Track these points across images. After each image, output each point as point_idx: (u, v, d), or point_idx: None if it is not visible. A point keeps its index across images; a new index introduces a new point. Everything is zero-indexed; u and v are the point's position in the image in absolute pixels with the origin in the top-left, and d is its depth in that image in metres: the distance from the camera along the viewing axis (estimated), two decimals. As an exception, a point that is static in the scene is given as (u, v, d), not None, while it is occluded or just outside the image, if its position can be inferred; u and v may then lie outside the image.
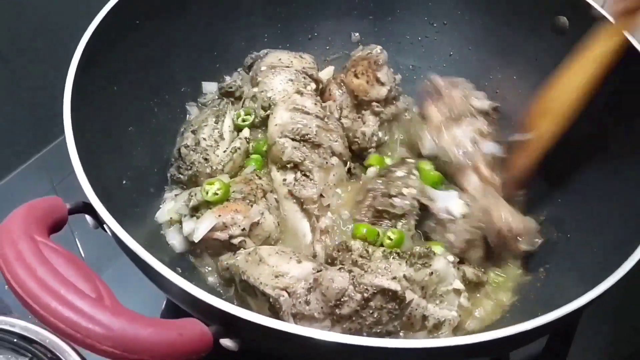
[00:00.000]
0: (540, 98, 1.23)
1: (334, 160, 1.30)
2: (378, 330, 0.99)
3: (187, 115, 1.42)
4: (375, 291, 0.96)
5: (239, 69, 1.52)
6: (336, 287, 0.96)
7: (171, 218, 1.20)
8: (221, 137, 1.32)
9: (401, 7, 1.55)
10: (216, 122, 1.34)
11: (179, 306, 0.94)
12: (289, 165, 1.26)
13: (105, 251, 1.30)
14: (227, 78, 1.50)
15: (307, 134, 1.27)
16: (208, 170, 1.27)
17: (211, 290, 1.14)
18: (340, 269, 1.00)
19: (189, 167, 1.27)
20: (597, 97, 1.17)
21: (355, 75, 1.41)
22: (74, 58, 1.08)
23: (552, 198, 1.32)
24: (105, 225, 0.92)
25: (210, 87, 1.47)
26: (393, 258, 1.08)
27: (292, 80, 1.41)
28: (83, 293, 0.72)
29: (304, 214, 1.25)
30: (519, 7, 1.37)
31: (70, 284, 0.72)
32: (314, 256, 1.19)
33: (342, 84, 1.46)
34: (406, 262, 1.07)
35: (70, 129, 0.98)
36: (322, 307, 0.97)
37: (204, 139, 1.30)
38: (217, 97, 1.45)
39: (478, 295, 1.19)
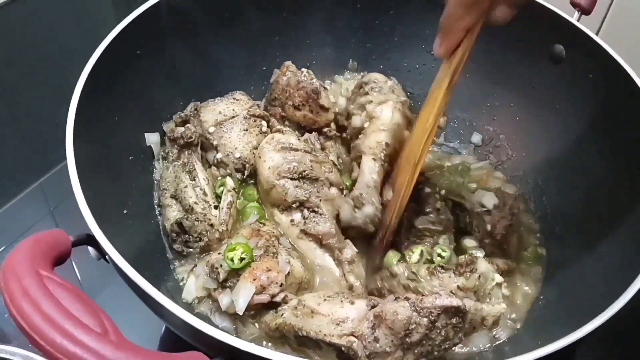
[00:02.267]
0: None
1: (334, 190, 1.29)
2: (447, 346, 1.00)
3: (153, 171, 1.32)
4: (439, 312, 0.97)
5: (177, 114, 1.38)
6: (402, 318, 0.96)
7: (199, 296, 1.14)
8: (205, 194, 1.25)
9: (399, 35, 1.57)
10: (192, 180, 1.26)
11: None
12: (294, 205, 1.25)
13: (101, 275, 1.30)
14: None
15: (304, 171, 1.26)
16: (217, 235, 1.20)
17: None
18: (396, 298, 1.00)
19: (198, 239, 1.20)
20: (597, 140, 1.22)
21: (297, 108, 1.40)
22: (76, 88, 1.09)
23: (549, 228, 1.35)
24: (107, 257, 0.92)
25: (153, 139, 1.33)
26: (440, 272, 1.12)
27: (246, 130, 1.37)
28: (88, 328, 0.72)
29: (324, 249, 1.23)
30: (517, 35, 1.38)
31: (76, 318, 0.72)
32: (350, 288, 1.19)
33: (284, 119, 1.43)
34: (453, 272, 1.12)
35: (73, 160, 0.99)
36: (392, 341, 0.97)
37: (196, 203, 1.22)
38: (173, 147, 1.30)
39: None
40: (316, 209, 1.25)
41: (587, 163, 1.29)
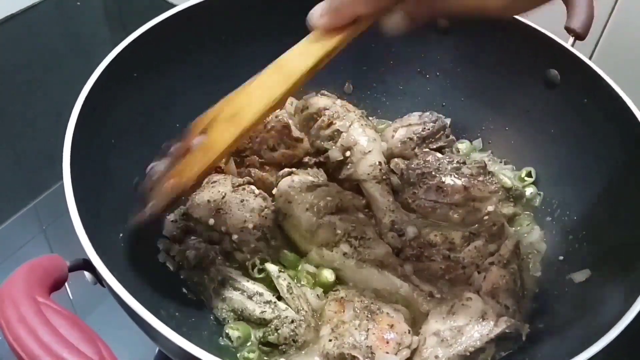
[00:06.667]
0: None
1: (360, 215, 1.28)
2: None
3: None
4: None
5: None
6: (503, 277, 1.14)
7: None
8: (260, 294, 1.15)
9: (394, 58, 1.57)
10: (240, 291, 1.15)
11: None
12: (343, 239, 1.20)
13: (93, 294, 1.26)
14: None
15: (338, 203, 1.23)
16: (304, 326, 1.10)
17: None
18: (468, 299, 1.10)
19: (292, 341, 1.08)
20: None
21: (273, 149, 1.34)
22: (73, 112, 1.08)
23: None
24: (104, 282, 0.91)
25: None
26: (472, 241, 1.19)
27: (242, 201, 1.24)
28: (85, 356, 0.72)
29: (386, 269, 1.18)
30: (511, 59, 1.39)
31: (73, 346, 0.72)
32: (431, 295, 1.17)
33: (263, 165, 1.36)
34: (486, 240, 1.20)
35: (69, 184, 0.98)
36: (512, 301, 1.13)
37: (263, 311, 1.12)
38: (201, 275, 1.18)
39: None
40: (364, 235, 1.22)
41: (582, 186, 1.30)
